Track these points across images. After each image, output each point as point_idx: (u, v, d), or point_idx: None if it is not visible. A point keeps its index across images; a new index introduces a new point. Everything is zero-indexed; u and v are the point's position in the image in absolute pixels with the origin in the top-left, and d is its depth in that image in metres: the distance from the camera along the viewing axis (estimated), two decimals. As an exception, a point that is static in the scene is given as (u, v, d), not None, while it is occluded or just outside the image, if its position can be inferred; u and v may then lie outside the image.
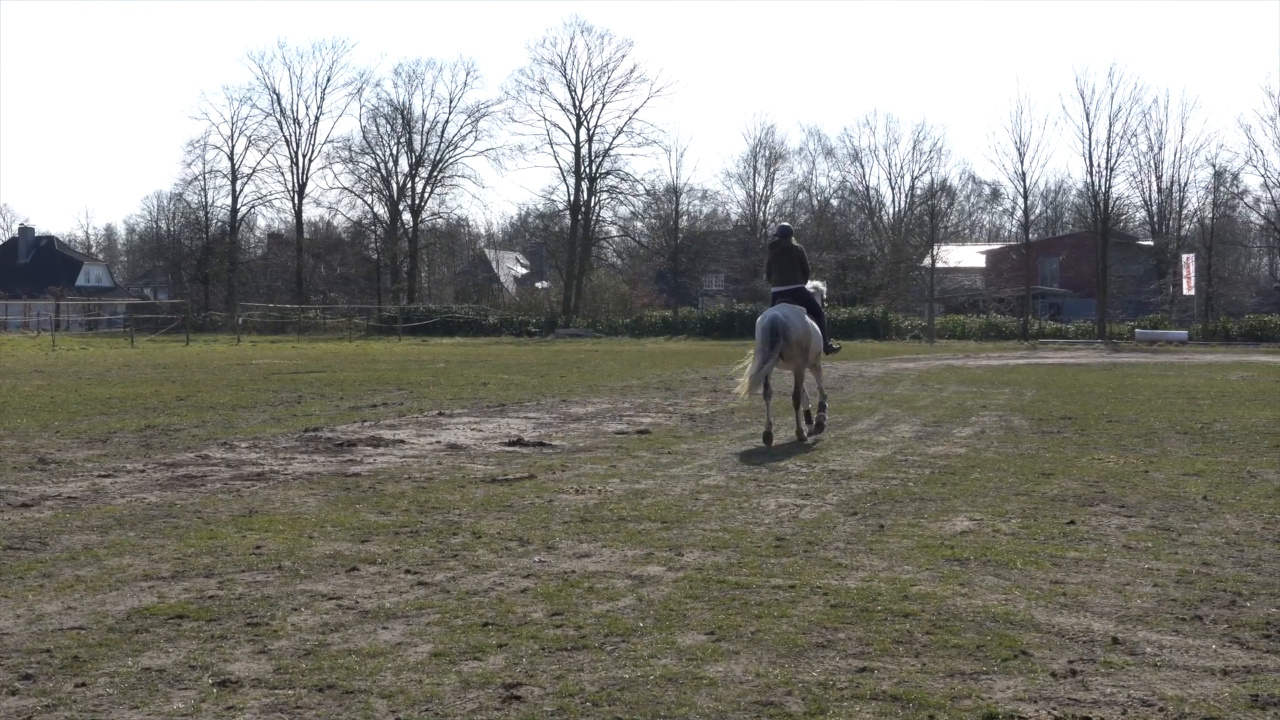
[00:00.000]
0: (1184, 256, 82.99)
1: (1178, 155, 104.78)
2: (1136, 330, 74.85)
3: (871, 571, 7.96)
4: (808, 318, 17.19)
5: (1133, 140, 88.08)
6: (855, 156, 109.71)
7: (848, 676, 5.77)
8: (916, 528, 9.59)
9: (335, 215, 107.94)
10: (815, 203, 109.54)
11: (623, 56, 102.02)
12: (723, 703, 5.40)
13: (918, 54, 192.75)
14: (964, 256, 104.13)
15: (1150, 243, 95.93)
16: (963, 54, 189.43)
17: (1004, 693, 5.58)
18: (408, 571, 7.90)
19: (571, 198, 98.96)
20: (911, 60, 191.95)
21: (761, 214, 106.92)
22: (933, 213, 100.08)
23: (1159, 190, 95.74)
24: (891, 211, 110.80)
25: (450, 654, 6.08)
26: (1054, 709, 5.38)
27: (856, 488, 11.71)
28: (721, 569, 8.00)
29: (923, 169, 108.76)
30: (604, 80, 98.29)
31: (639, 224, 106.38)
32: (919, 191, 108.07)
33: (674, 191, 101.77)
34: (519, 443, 15.28)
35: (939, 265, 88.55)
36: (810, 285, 18.24)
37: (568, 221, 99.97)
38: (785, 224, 19.21)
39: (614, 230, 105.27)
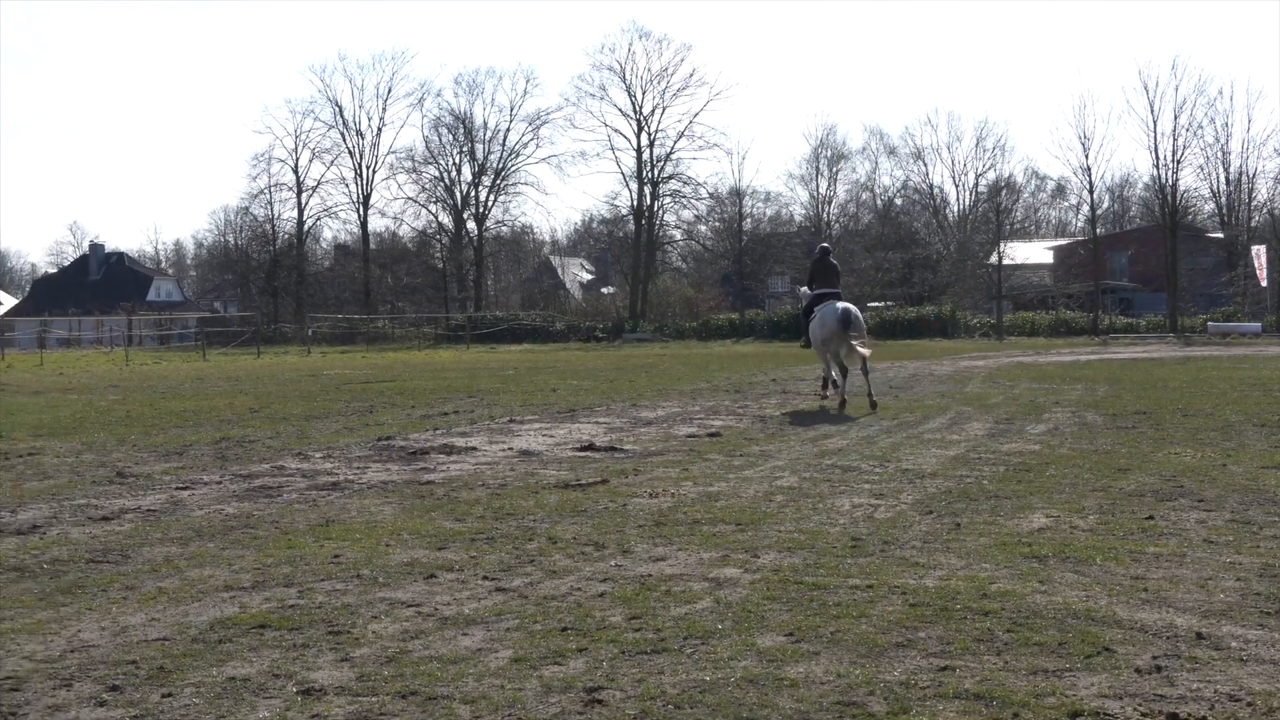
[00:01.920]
0: (1255, 248, 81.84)
1: (1245, 146, 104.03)
2: (1209, 323, 74.13)
3: (949, 570, 7.92)
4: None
5: (1199, 132, 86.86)
6: (918, 155, 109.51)
7: (929, 675, 5.75)
8: (993, 525, 9.53)
9: (400, 225, 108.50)
10: (879, 202, 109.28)
11: (682, 60, 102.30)
12: (804, 703, 5.39)
13: (979, 50, 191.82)
14: (1031, 253, 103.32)
15: (1220, 235, 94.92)
16: (1024, 49, 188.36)
17: (1088, 690, 5.54)
18: (485, 578, 7.93)
19: (635, 203, 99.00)
20: (973, 57, 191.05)
21: (825, 215, 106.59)
22: (998, 209, 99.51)
23: (1227, 181, 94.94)
24: (956, 209, 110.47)
25: (530, 659, 6.09)
26: (1139, 705, 5.34)
27: (931, 486, 11.65)
28: (798, 570, 7.99)
29: (986, 166, 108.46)
30: (664, 85, 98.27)
31: (703, 227, 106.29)
32: (983, 188, 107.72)
33: (737, 194, 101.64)
34: (591, 448, 15.29)
35: (1006, 262, 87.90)
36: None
37: (631, 226, 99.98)
38: (826, 245, 24.97)
39: (678, 234, 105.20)
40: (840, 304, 21.59)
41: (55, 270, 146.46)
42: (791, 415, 19.77)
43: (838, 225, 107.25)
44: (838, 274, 23.17)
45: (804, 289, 24.62)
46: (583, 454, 14.79)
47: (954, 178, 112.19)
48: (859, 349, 20.83)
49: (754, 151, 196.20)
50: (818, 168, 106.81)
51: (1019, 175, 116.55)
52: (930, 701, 5.39)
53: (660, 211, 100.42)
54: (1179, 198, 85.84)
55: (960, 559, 8.27)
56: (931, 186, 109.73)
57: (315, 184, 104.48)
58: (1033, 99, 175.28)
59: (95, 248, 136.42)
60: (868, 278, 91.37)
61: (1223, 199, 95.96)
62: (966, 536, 9.09)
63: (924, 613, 6.84)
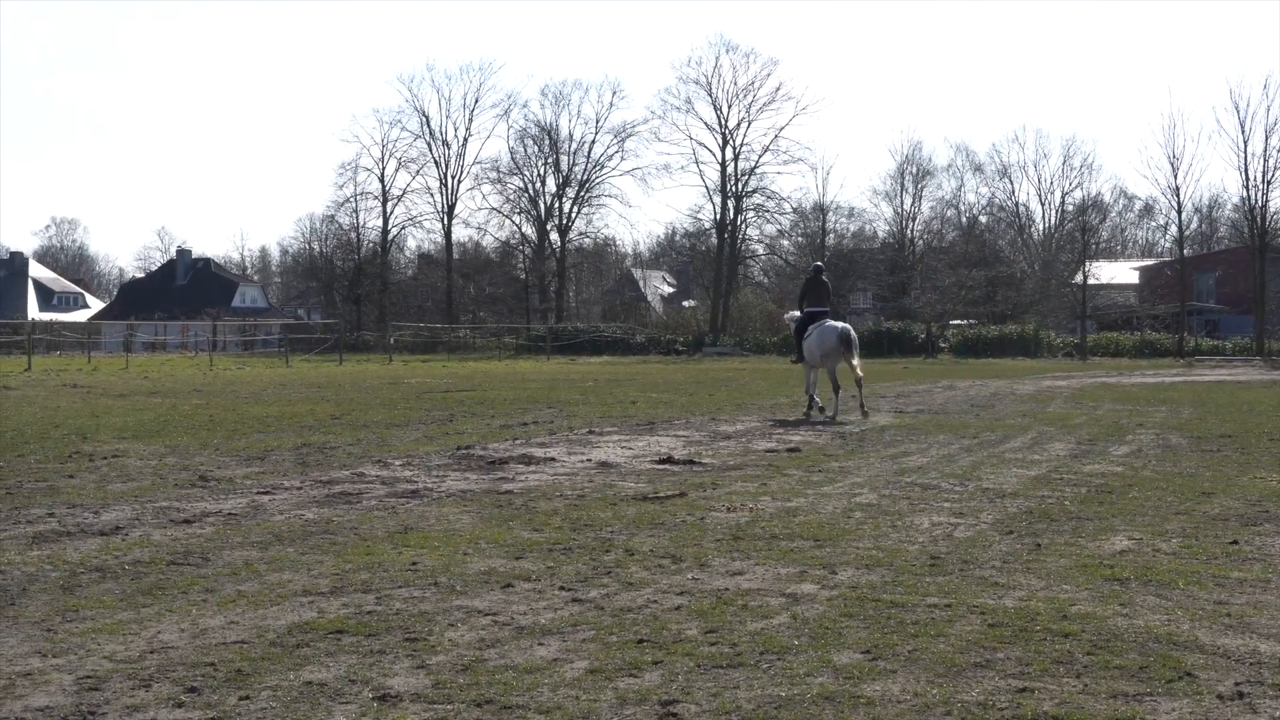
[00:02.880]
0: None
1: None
2: (1297, 347, 73.15)
3: (1029, 591, 7.84)
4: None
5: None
6: (1004, 172, 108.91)
7: (1008, 697, 5.69)
8: (1074, 547, 9.43)
9: (484, 235, 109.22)
10: (964, 219, 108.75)
11: (768, 75, 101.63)
12: (881, 722, 5.35)
13: (1067, 68, 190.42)
14: (1116, 273, 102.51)
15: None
16: (1113, 67, 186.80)
17: (1168, 715, 5.46)
18: (562, 588, 7.93)
19: (718, 216, 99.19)
20: (1061, 74, 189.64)
21: (909, 231, 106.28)
22: (1084, 229, 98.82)
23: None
24: (1042, 228, 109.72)
25: (606, 670, 6.09)
26: (1222, 732, 5.27)
27: (1011, 506, 11.55)
28: (876, 587, 7.93)
29: (1073, 184, 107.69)
30: (749, 99, 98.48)
31: (785, 242, 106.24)
32: (1070, 207, 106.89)
33: (821, 209, 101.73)
34: (669, 460, 15.28)
35: (1091, 281, 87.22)
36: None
37: (714, 240, 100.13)
38: (819, 263, 27.15)
39: (760, 249, 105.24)
40: (839, 324, 23.26)
41: (142, 275, 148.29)
42: (872, 431, 19.66)
43: (921, 242, 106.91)
44: (829, 293, 24.77)
45: (793, 314, 25.82)
46: (661, 467, 14.78)
47: (1040, 196, 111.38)
48: (857, 368, 22.69)
49: (839, 167, 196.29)
50: (902, 184, 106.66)
51: (1106, 194, 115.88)
52: (1008, 723, 5.34)
53: (743, 225, 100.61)
54: (1269, 219, 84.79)
55: (1040, 580, 8.19)
56: (1017, 204, 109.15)
57: (401, 193, 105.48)
58: (1122, 118, 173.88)
59: (182, 253, 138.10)
60: (951, 295, 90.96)
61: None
62: (1047, 557, 9.00)
63: (1003, 633, 6.77)
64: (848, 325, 23.25)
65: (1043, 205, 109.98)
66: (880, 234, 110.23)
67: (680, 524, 10.51)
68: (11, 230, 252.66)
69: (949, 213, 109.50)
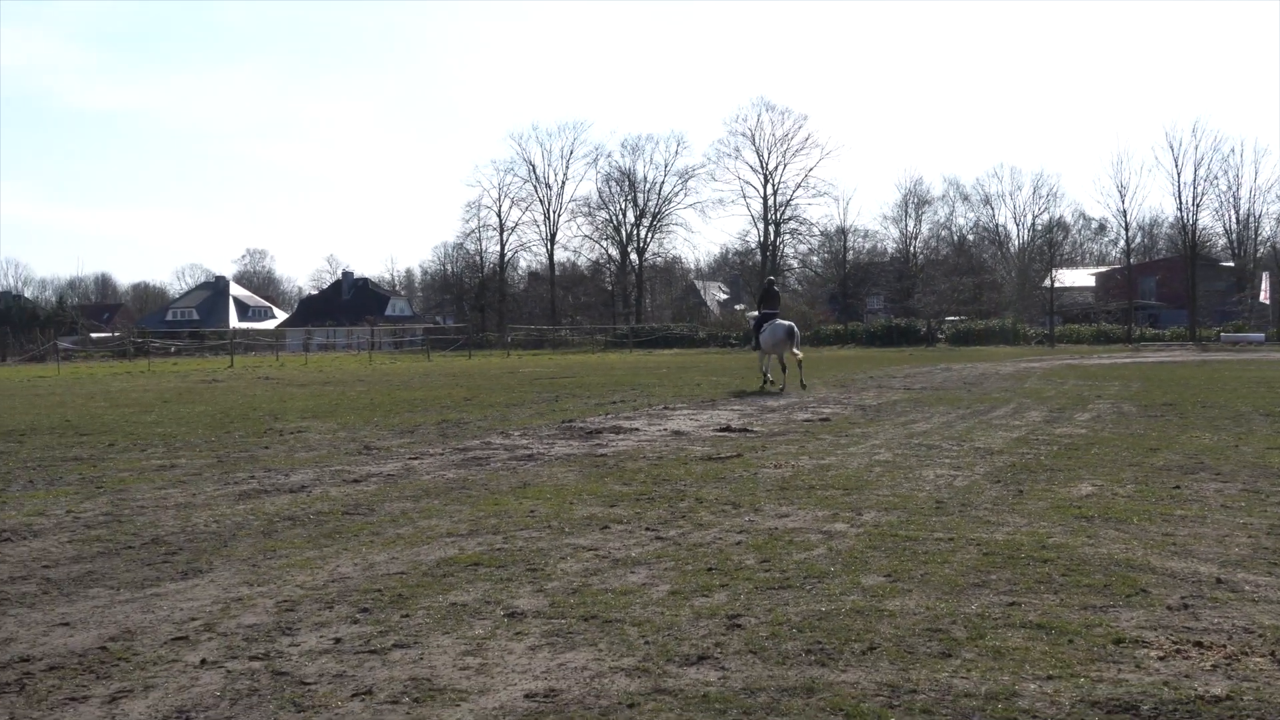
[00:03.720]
0: (1262, 274, 79.53)
1: (1252, 193, 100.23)
2: (1221, 334, 71.97)
3: (1015, 527, 7.76)
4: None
5: (1214, 181, 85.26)
6: (986, 200, 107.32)
7: (1000, 609, 5.64)
8: (1049, 492, 9.33)
9: (579, 257, 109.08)
10: (955, 238, 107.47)
11: (799, 127, 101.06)
12: (901, 629, 5.32)
13: (1036, 116, 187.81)
14: (1077, 278, 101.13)
15: (1231, 264, 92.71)
16: (1072, 114, 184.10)
17: (1129, 622, 5.40)
18: (647, 529, 7.93)
19: (761, 239, 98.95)
20: (1031, 121, 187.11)
21: (912, 247, 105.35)
22: (1050, 243, 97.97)
23: (1237, 221, 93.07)
24: (1017, 243, 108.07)
25: (684, 592, 6.08)
26: (1171, 635, 5.19)
27: (998, 461, 11.43)
28: (894, 525, 7.88)
29: (1042, 209, 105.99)
30: (785, 146, 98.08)
31: (814, 258, 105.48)
32: (1039, 226, 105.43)
33: (842, 232, 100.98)
34: (728, 429, 15.24)
35: (1057, 285, 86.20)
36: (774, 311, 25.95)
37: (759, 257, 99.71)
38: (772, 277, 29.90)
39: (795, 263, 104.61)
40: (785, 322, 24.90)
41: (316, 292, 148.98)
42: (886, 405, 19.51)
43: (922, 256, 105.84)
44: (778, 299, 26.67)
45: (752, 314, 28.40)
46: (721, 434, 14.75)
47: (1015, 218, 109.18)
48: (797, 354, 24.56)
49: (856, 198, 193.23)
50: (906, 210, 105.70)
51: (1068, 216, 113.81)
52: (1001, 630, 5.29)
53: (781, 245, 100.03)
54: (1197, 234, 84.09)
55: (1023, 518, 8.11)
56: (997, 225, 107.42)
57: (513, 225, 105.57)
58: (1079, 155, 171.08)
59: (346, 274, 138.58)
60: (946, 297, 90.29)
61: (1233, 235, 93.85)
62: (1028, 501, 8.92)
63: (995, 560, 6.71)
64: (791, 324, 24.94)
65: (1017, 226, 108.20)
66: (889, 250, 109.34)
67: (738, 478, 10.48)
68: (216, 259, 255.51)
69: (943, 233, 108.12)
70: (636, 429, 15.50)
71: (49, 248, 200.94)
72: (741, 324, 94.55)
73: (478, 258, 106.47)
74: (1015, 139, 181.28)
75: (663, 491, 9.71)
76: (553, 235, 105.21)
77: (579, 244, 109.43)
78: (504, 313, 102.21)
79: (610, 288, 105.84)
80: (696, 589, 6.14)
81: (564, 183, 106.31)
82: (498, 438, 14.64)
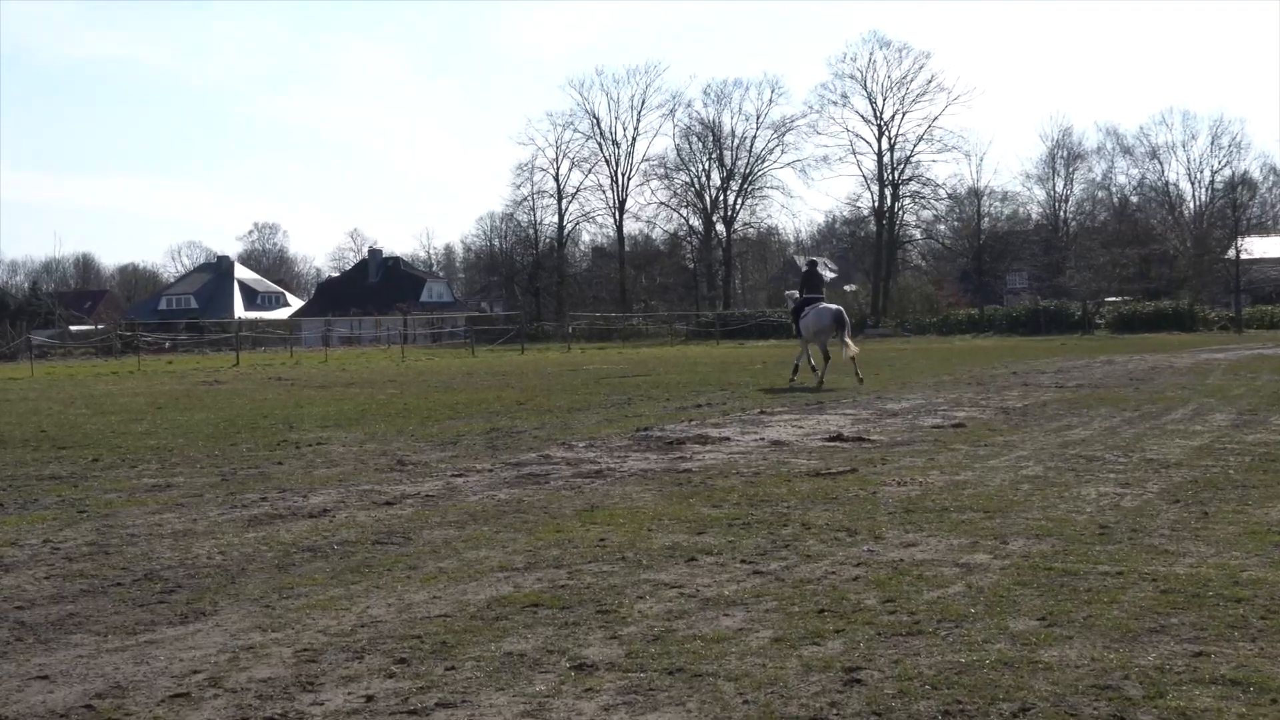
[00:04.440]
0: None
1: None
2: None
3: (1199, 558, 7.64)
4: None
5: None
6: (1153, 153, 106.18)
7: (1184, 660, 5.53)
8: (1241, 514, 9.18)
9: (653, 228, 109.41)
10: (1115, 200, 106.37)
11: (920, 68, 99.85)
12: (1060, 686, 5.23)
13: (1214, 47, 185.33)
14: (1269, 247, 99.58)
15: None
16: (1261, 45, 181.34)
17: (1348, 678, 5.28)
18: (743, 561, 7.89)
19: (876, 204, 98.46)
20: (1207, 54, 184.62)
21: (1062, 213, 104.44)
22: (1234, 205, 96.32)
23: None
24: (1192, 206, 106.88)
25: (790, 639, 6.04)
26: (1402, 695, 5.07)
27: (1176, 476, 11.27)
28: (1047, 556, 7.79)
29: (1223, 163, 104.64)
30: (903, 91, 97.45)
31: (941, 227, 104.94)
32: (1219, 185, 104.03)
33: (975, 194, 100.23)
34: (839, 438, 15.17)
35: (1244, 257, 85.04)
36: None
37: (873, 227, 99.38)
38: (813, 259, 30.23)
39: (917, 233, 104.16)
40: (832, 306, 26.72)
41: (337, 274, 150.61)
42: (1034, 406, 19.30)
43: (1074, 222, 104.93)
44: (823, 283, 28.45)
45: (793, 293, 29.58)
46: (831, 444, 14.69)
47: (1190, 175, 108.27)
48: (851, 348, 26.05)
49: (991, 153, 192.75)
50: (1054, 167, 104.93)
51: (1255, 171, 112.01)
52: (1186, 686, 5.19)
53: (900, 212, 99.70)
54: None
55: (1210, 547, 7.98)
56: (1167, 184, 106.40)
57: (574, 191, 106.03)
58: (1268, 95, 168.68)
59: (373, 253, 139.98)
60: (1105, 273, 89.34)
61: None
62: (1215, 525, 8.77)
63: (1175, 599, 6.60)
64: (840, 308, 26.74)
65: (1192, 184, 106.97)
66: (1034, 216, 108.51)
67: (853, 498, 10.42)
68: (218, 236, 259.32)
69: (1100, 194, 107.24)
70: (727, 438, 15.47)
71: (19, 224, 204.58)
72: (853, 309, 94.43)
73: (531, 231, 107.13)
74: (1187, 77, 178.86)
75: (761, 515, 9.67)
76: (621, 203, 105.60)
77: (653, 213, 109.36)
78: (563, 297, 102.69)
79: (692, 265, 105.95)
80: (805, 635, 6.10)
81: (635, 139, 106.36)
82: (559, 450, 14.67)
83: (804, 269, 29.18)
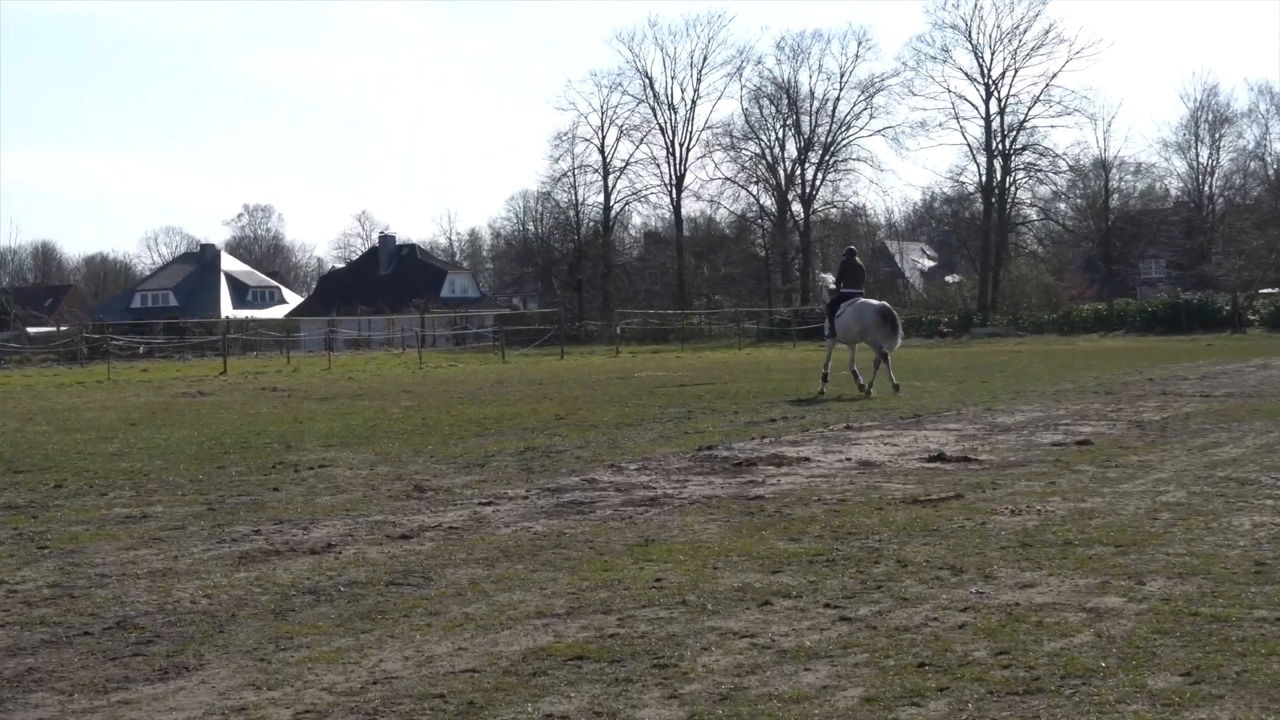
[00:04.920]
0: None
1: None
2: None
3: (1376, 601, 7.59)
4: None
5: None
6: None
7: (1360, 726, 5.50)
8: None
9: (717, 209, 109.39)
10: (1270, 173, 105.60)
11: (1036, 15, 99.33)
12: (1209, 756, 5.21)
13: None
14: None
15: None
16: None
17: None
18: (827, 605, 7.88)
19: (982, 178, 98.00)
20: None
21: (1207, 187, 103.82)
22: None
23: None
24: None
25: (884, 698, 6.02)
26: None
27: (1348, 503, 11.20)
28: (1192, 599, 7.74)
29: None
30: (1015, 44, 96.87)
31: (1062, 205, 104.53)
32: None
33: (1102, 166, 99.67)
34: (940, 458, 15.13)
35: None
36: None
37: (979, 205, 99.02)
38: (852, 247, 32.74)
39: (1033, 213, 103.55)
40: (876, 301, 28.27)
41: (342, 265, 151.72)
42: (1174, 419, 19.20)
43: (1222, 199, 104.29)
44: (863, 275, 29.88)
45: (829, 284, 31.51)
46: (931, 465, 14.66)
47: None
48: (896, 344, 27.11)
49: (1121, 117, 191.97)
50: (1197, 134, 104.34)
51: None
52: (1362, 757, 5.16)
53: (1012, 188, 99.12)
54: None
55: (1389, 588, 7.92)
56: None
57: (623, 165, 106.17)
58: None
59: (385, 239, 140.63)
60: (1259, 260, 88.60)
61: None
62: (1396, 562, 8.71)
63: (1349, 652, 6.56)
64: (886, 304, 28.08)
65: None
66: (1173, 192, 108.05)
67: (958, 530, 10.39)
68: (201, 221, 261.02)
69: (1253, 165, 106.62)
70: (806, 459, 15.46)
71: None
72: (957, 303, 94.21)
73: (572, 213, 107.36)
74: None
75: (847, 550, 9.66)
76: (679, 179, 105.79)
77: (717, 190, 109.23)
78: (611, 292, 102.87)
79: (764, 252, 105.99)
80: (903, 694, 6.09)
81: (694, 103, 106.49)
82: (606, 473, 14.69)
83: (842, 257, 30.32)
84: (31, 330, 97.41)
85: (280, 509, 12.62)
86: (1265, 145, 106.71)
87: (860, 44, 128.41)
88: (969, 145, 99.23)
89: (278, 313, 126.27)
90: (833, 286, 29.47)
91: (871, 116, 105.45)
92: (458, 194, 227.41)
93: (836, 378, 28.12)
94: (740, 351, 65.00)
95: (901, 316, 28.42)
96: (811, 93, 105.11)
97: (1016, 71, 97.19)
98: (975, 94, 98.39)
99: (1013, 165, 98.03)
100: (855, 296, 27.63)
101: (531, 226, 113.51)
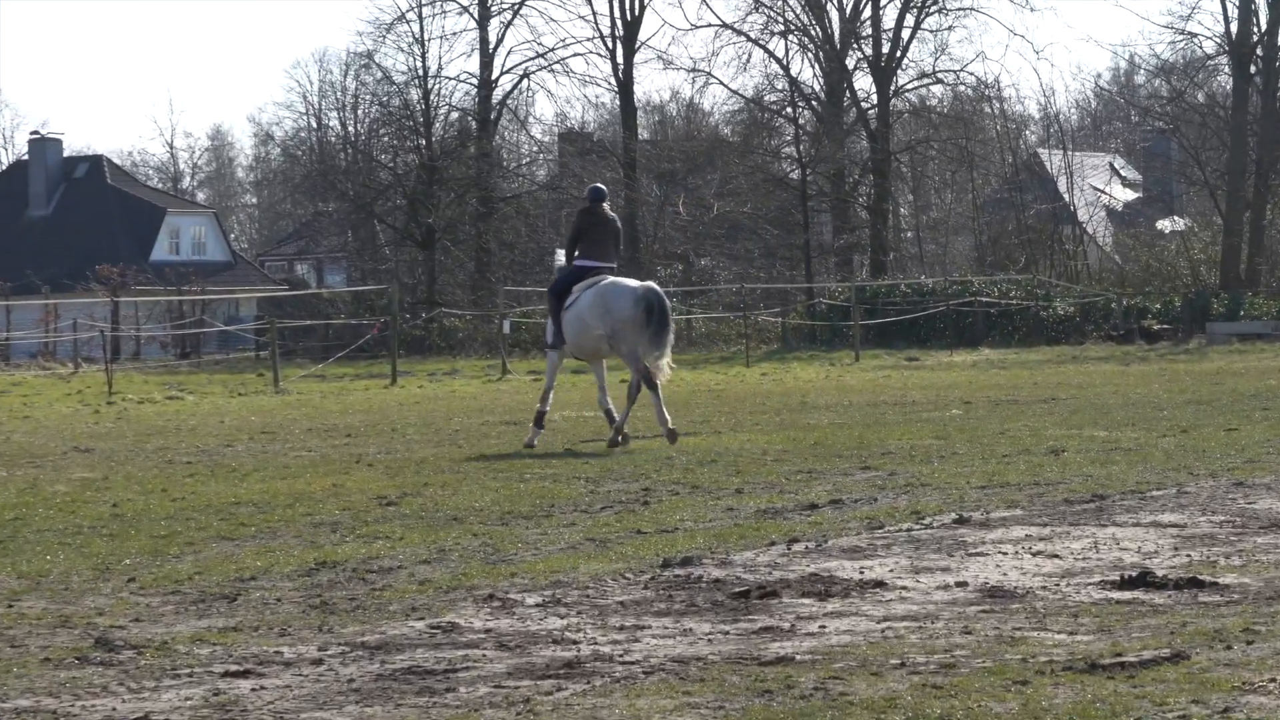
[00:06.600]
0: None
1: None
2: None
3: None
4: None
5: None
6: None
7: None
8: None
9: (705, 86, 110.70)
10: None
11: None
12: None
13: None
14: None
15: None
16: None
17: None
18: None
19: (1232, 27, 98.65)
20: None
21: None
22: None
23: None
24: None
25: None
26: None
27: None
28: None
29: None
30: None
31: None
32: None
33: None
34: (1143, 580, 15.15)
35: None
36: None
37: (1228, 78, 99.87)
38: (599, 185, 32.85)
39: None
40: (636, 284, 29.39)
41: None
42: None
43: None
44: (617, 236, 31.73)
45: (559, 256, 33.34)
46: (1124, 594, 14.70)
47: None
48: (665, 370, 28.63)
49: None
50: None
51: None
52: None
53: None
54: None
55: None
56: None
57: (514, 3, 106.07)
58: None
59: (41, 146, 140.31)
60: None
61: None
62: None
63: None
64: (653, 288, 28.63)
65: None
66: None
67: (1177, 727, 10.39)
68: None
69: None
70: (879, 583, 15.46)
71: None
72: (1178, 274, 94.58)
73: (417, 92, 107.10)
74: None
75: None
76: (630, 24, 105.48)
77: (706, 47, 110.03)
78: (492, 251, 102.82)
79: (797, 173, 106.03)
80: None
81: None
82: (479, 611, 14.66)
83: (581, 206, 31.87)
84: None
85: None
86: None
87: None
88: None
89: None
90: (560, 259, 30.65)
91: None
92: (187, 65, 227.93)
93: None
94: (749, 368, 65.32)
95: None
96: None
97: None
98: None
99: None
100: (603, 272, 28.46)
101: (334, 122, 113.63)
